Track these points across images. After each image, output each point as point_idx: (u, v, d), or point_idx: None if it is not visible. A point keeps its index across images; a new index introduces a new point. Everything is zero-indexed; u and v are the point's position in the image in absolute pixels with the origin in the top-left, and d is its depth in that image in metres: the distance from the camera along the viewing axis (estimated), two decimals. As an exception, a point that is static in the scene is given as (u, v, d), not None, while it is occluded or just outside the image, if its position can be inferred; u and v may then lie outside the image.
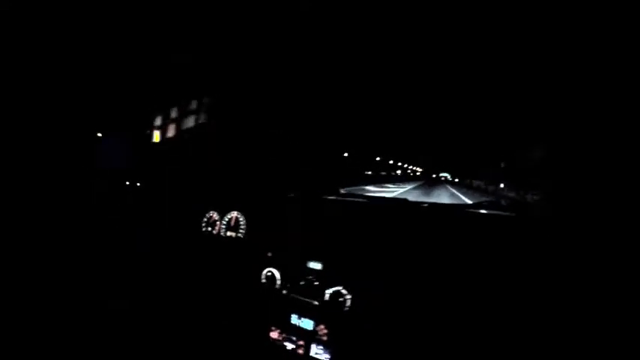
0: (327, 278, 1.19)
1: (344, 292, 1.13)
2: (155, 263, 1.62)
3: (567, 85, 1.24)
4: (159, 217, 1.71)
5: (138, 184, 1.94)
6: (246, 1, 1.30)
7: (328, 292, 1.17)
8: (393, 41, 1.49)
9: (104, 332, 1.44)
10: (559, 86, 1.28)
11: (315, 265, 1.22)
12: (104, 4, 1.37)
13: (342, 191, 1.65)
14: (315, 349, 1.16)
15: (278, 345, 1.24)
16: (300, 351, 1.19)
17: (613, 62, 1.06)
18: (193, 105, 1.93)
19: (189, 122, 1.94)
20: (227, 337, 1.37)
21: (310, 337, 1.18)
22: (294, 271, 1.27)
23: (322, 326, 1.16)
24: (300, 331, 1.20)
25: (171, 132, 2.00)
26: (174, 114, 1.99)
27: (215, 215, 1.58)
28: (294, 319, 1.22)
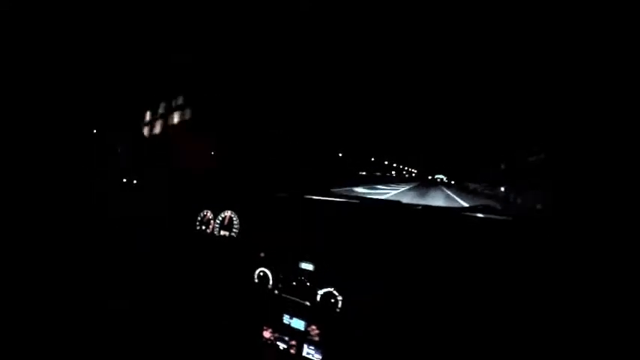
0: (318, 279, 1.19)
1: (335, 293, 1.14)
2: (155, 263, 1.62)
3: (567, 86, 1.24)
4: (158, 216, 1.70)
5: (134, 182, 1.93)
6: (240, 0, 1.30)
7: (320, 293, 1.17)
8: (391, 41, 1.49)
9: (104, 332, 1.44)
10: (559, 87, 1.28)
11: (307, 266, 1.23)
12: (104, 4, 1.36)
13: (332, 191, 1.65)
14: (306, 349, 1.17)
15: (270, 345, 1.25)
16: (293, 351, 1.19)
17: (612, 63, 1.07)
18: (188, 103, 1.92)
19: (184, 120, 1.94)
20: (220, 335, 1.37)
21: (302, 337, 1.18)
22: (286, 272, 1.27)
23: (314, 327, 1.17)
24: (292, 331, 1.21)
25: (165, 129, 2.00)
26: (169, 111, 1.98)
27: (209, 214, 1.58)
28: (286, 319, 1.23)
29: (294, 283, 1.24)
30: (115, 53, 1.66)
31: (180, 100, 1.95)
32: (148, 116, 2.04)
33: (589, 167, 1.15)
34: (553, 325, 0.85)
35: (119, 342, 1.42)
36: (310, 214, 1.38)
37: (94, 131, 1.80)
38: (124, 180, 1.92)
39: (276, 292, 1.28)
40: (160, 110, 2.01)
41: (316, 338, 1.15)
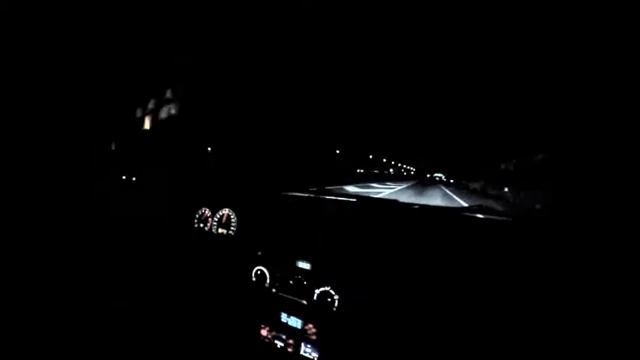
0: (315, 278, 1.19)
1: (332, 292, 1.14)
2: (154, 262, 1.62)
3: (567, 87, 1.24)
4: (157, 215, 1.70)
5: (133, 179, 1.92)
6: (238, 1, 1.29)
7: (317, 291, 1.17)
8: (391, 42, 1.48)
9: (104, 332, 1.43)
10: (559, 88, 1.28)
11: (304, 265, 1.23)
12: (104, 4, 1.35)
13: (325, 189, 1.64)
14: (303, 348, 1.17)
15: (268, 343, 1.25)
16: (290, 349, 1.20)
17: (612, 65, 1.07)
18: (187, 102, 1.91)
19: (183, 119, 1.93)
20: (218, 334, 1.37)
21: (299, 335, 1.19)
22: (283, 271, 1.27)
23: (311, 325, 1.17)
24: (289, 330, 1.21)
25: (163, 128, 1.98)
26: (168, 111, 1.97)
27: (207, 212, 1.57)
28: (284, 317, 1.23)
29: (292, 282, 1.24)
30: (115, 53, 1.64)
31: (178, 100, 1.94)
32: (147, 116, 2.02)
33: (588, 168, 1.15)
34: (552, 325, 0.85)
35: (119, 342, 1.42)
36: (308, 213, 1.37)
37: (94, 131, 1.79)
38: (123, 177, 1.92)
39: (273, 290, 1.28)
40: (159, 110, 2.00)
41: (313, 337, 1.16)
